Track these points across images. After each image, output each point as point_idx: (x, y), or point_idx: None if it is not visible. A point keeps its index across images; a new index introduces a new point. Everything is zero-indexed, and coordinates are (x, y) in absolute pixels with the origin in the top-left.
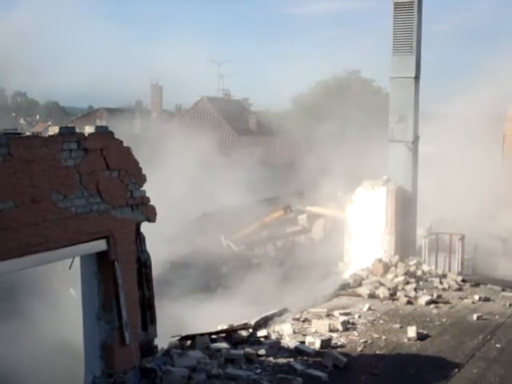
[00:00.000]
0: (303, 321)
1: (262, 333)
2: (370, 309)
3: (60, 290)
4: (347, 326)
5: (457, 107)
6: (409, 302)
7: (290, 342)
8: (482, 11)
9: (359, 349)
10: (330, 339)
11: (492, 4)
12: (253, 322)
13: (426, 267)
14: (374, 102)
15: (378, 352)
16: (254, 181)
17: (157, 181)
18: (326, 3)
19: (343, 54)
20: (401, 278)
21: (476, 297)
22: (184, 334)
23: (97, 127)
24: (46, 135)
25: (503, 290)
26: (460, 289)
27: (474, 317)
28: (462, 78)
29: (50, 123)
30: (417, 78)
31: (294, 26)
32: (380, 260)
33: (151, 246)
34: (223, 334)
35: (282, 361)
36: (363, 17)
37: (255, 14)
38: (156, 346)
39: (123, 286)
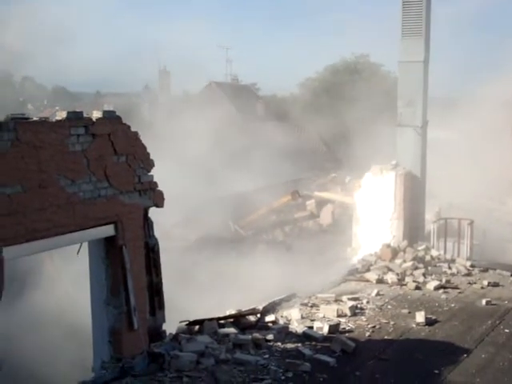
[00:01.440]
0: (311, 306)
1: (270, 318)
2: (378, 294)
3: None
4: (355, 311)
5: (468, 92)
6: (417, 288)
7: (297, 327)
8: None
9: (367, 334)
10: (338, 324)
11: None
12: (261, 307)
13: (434, 252)
14: (383, 86)
15: (386, 337)
16: (262, 166)
17: (164, 167)
18: None
19: (352, 37)
20: (409, 264)
21: (485, 282)
22: (192, 319)
23: (104, 112)
24: (54, 120)
25: None
26: (469, 274)
27: (483, 302)
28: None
29: (57, 108)
30: (426, 61)
31: (301, 10)
32: (388, 245)
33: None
34: (231, 319)
35: (290, 346)
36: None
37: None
38: (164, 331)
39: (131, 272)
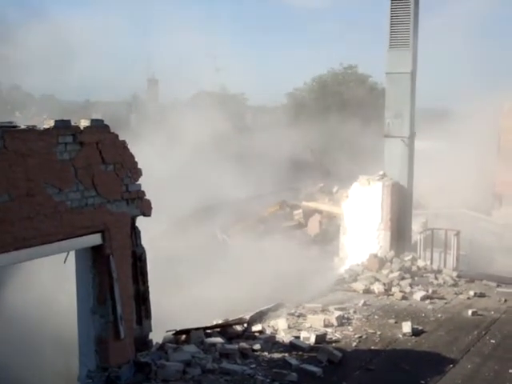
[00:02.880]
0: (298, 316)
1: (256, 327)
2: (365, 304)
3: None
4: (342, 321)
5: (455, 103)
6: (404, 298)
7: (284, 336)
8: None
9: (354, 344)
10: (324, 334)
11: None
12: (248, 317)
13: (421, 263)
14: (370, 98)
15: (372, 347)
16: (251, 176)
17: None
18: None
19: (339, 48)
20: (396, 274)
21: (471, 292)
22: (179, 328)
23: (92, 121)
24: (42, 128)
25: (498, 286)
26: (455, 284)
27: (469, 312)
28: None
29: (45, 116)
30: (413, 73)
31: (289, 20)
32: (375, 255)
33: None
34: (218, 329)
35: (276, 356)
36: (360, 11)
37: (251, 7)
38: (151, 341)
39: (118, 281)
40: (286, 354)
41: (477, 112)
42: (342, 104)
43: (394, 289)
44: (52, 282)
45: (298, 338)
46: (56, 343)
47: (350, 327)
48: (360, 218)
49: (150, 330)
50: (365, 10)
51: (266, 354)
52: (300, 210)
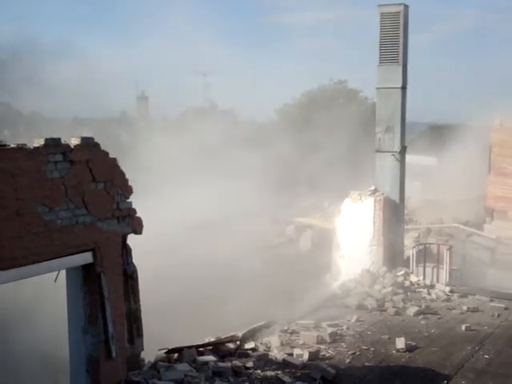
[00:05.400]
0: (291, 333)
1: (249, 345)
2: (358, 320)
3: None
4: (335, 338)
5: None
6: (397, 313)
7: (277, 354)
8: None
9: (347, 360)
10: (318, 351)
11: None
12: (240, 334)
13: (413, 278)
14: (361, 113)
15: (366, 364)
16: (241, 192)
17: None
18: (313, 12)
19: (330, 63)
20: (389, 289)
21: (464, 307)
22: (171, 346)
23: (82, 138)
24: (31, 147)
25: (491, 301)
26: (448, 299)
27: (463, 327)
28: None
29: (34, 134)
30: (403, 88)
31: (280, 36)
32: (368, 271)
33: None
34: (210, 347)
35: (269, 373)
36: (350, 27)
37: (241, 24)
38: (143, 360)
39: (109, 299)
40: (279, 372)
41: (468, 126)
42: (332, 119)
43: (386, 304)
44: (41, 299)
45: (290, 355)
46: (46, 363)
47: (343, 344)
48: (352, 234)
49: (142, 349)
50: (355, 26)
51: (259, 371)
52: (291, 226)
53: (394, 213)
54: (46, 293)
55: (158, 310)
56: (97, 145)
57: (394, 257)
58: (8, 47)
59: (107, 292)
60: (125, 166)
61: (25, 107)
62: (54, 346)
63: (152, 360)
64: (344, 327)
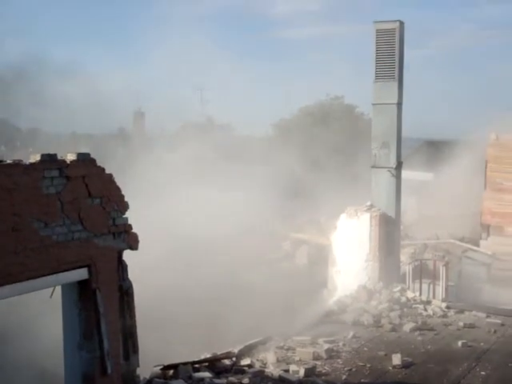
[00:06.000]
0: (287, 349)
1: (245, 361)
2: (354, 336)
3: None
4: (331, 354)
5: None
6: (393, 329)
7: (273, 370)
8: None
9: (344, 377)
10: (314, 367)
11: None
12: (236, 351)
13: (410, 294)
14: (357, 128)
15: (362, 380)
16: (240, 207)
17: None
18: (310, 28)
19: (326, 79)
20: (385, 305)
21: (461, 323)
22: (166, 363)
23: (79, 154)
24: (27, 163)
25: (488, 317)
26: (444, 315)
27: (459, 344)
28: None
29: (31, 150)
30: (399, 104)
31: (277, 51)
32: (364, 287)
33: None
34: (206, 363)
35: None
36: (347, 43)
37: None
38: (138, 376)
39: (105, 315)
40: None
41: (465, 142)
42: (328, 134)
43: (383, 320)
44: (37, 315)
45: (287, 371)
46: (41, 379)
47: (339, 360)
48: (348, 249)
49: (138, 365)
50: (351, 43)
51: None
52: (288, 242)
53: (390, 228)
54: (51, 306)
55: (157, 326)
56: (93, 160)
57: (390, 272)
58: (11, 64)
59: (103, 308)
60: (121, 182)
61: (24, 124)
62: (53, 362)
63: (147, 376)
64: (340, 343)
